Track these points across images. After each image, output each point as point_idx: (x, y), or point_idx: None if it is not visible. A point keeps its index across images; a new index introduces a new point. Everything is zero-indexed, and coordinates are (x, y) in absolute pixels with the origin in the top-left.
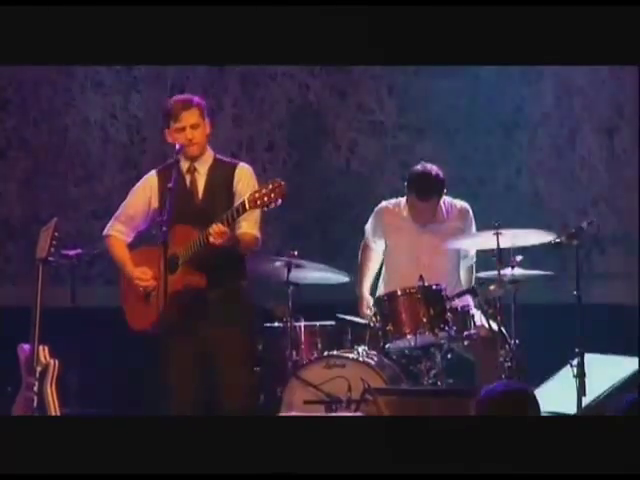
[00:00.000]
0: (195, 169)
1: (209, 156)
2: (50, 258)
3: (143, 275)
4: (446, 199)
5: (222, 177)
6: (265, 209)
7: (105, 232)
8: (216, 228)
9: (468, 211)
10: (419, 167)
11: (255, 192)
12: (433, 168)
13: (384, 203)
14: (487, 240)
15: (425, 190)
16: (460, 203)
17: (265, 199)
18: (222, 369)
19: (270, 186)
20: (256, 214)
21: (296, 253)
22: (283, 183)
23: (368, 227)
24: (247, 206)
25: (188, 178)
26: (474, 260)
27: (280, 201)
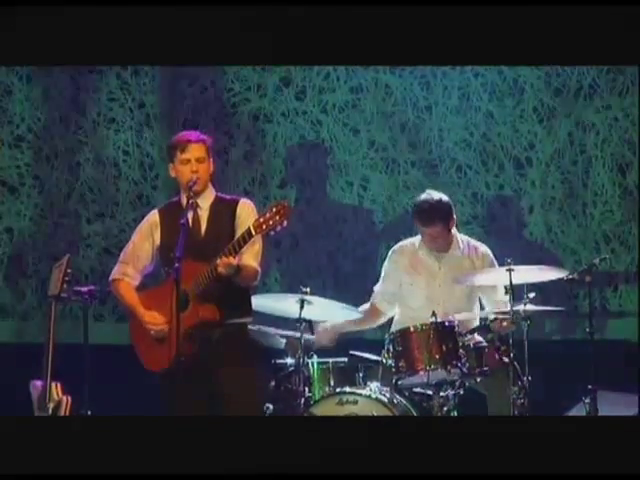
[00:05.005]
0: (197, 205)
1: (210, 193)
2: (63, 295)
3: (154, 320)
4: (464, 237)
5: (224, 213)
6: (272, 233)
7: (112, 277)
8: (225, 260)
9: (489, 255)
10: (422, 195)
11: (260, 217)
12: (436, 194)
13: (399, 244)
14: (500, 276)
15: (426, 215)
16: (483, 246)
17: (270, 222)
18: (231, 405)
19: (274, 209)
20: (257, 247)
21: (308, 290)
22: (287, 204)
23: (384, 270)
24: (253, 232)
25: (190, 214)
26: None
27: (286, 223)
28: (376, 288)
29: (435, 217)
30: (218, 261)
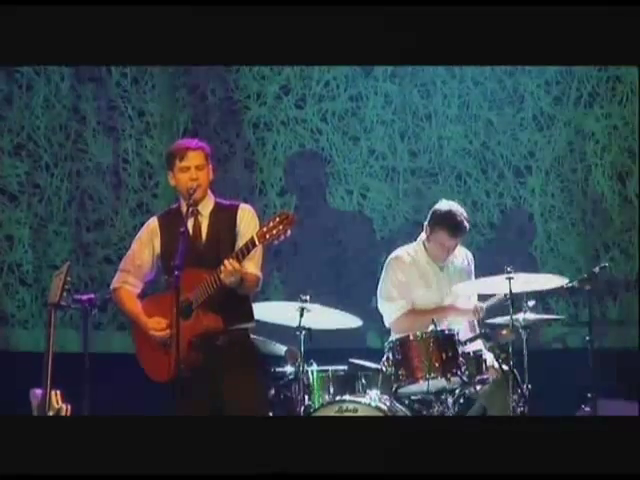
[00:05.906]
0: (198, 212)
1: (210, 200)
2: (62, 303)
3: (158, 325)
4: None
5: (224, 219)
6: (276, 242)
7: (113, 285)
8: (229, 266)
9: (473, 261)
10: (445, 205)
11: (263, 226)
12: (460, 208)
13: (399, 252)
14: (499, 285)
15: (457, 227)
16: (469, 252)
17: (274, 232)
18: (232, 410)
19: (277, 218)
20: (258, 254)
21: (308, 298)
22: (291, 213)
23: (390, 281)
24: (257, 241)
25: (191, 222)
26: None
27: (289, 232)
28: (391, 305)
29: (462, 231)
30: (222, 268)
